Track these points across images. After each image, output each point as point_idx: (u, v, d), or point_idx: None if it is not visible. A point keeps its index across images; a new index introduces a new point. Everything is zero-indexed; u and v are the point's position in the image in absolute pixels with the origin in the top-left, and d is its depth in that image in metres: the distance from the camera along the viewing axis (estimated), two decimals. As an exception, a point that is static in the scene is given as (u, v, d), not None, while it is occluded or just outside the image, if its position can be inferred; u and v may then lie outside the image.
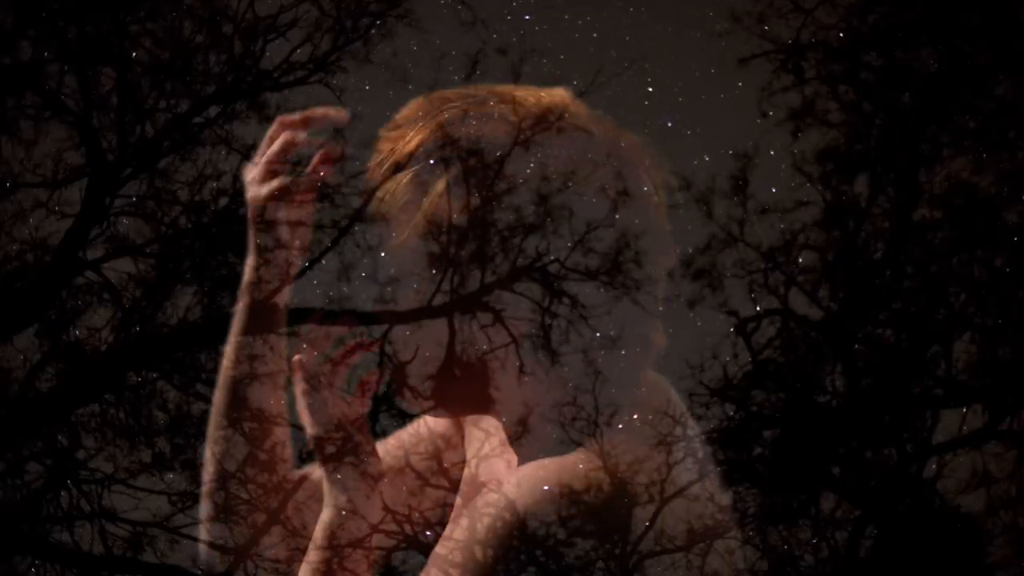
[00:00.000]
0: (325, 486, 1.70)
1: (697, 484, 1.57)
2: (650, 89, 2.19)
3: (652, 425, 1.61)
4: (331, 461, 1.65)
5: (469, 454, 1.75)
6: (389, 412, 1.79)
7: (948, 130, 2.11)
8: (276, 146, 1.76)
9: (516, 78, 1.73)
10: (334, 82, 2.41)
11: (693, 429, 1.66)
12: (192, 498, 2.39)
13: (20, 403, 2.34)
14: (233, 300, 2.43)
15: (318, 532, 1.71)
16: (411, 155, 1.62)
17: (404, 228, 1.62)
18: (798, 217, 2.07)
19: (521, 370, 1.62)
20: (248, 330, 1.72)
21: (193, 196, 2.45)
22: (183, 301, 2.42)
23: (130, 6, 2.42)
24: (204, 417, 2.43)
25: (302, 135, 1.74)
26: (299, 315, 2.20)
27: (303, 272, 2.31)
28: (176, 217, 2.47)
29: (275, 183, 1.71)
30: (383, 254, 1.65)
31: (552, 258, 1.57)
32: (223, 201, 2.44)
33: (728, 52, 2.09)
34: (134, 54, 2.44)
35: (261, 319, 1.74)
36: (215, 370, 2.41)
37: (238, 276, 2.30)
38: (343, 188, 2.33)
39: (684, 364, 1.89)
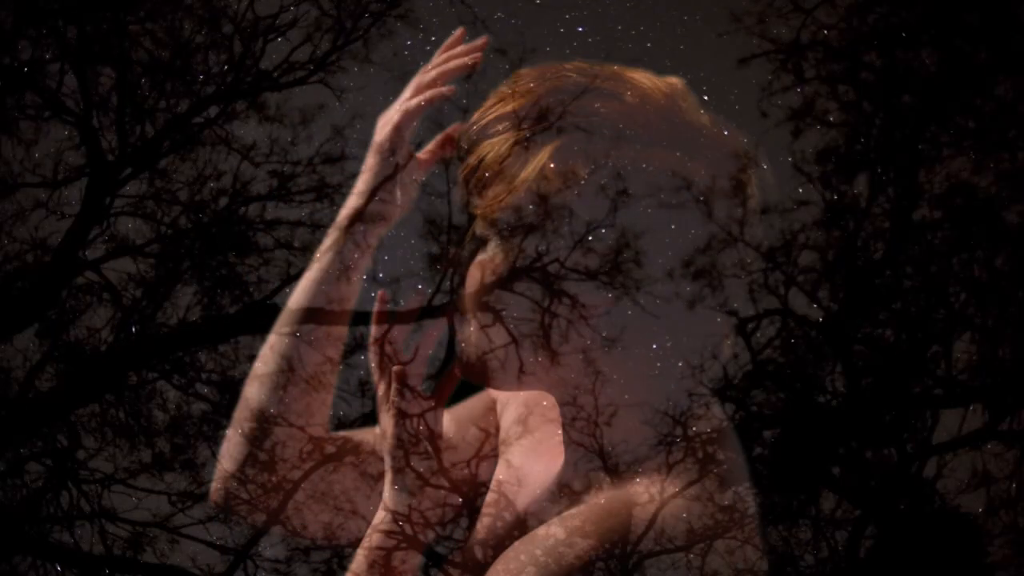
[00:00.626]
0: (387, 487, 1.68)
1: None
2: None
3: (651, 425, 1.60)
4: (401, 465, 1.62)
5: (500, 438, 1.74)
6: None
7: (948, 130, 2.11)
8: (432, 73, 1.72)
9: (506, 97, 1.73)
10: (334, 82, 2.41)
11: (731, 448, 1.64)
12: (192, 498, 2.39)
13: (20, 403, 2.35)
14: (233, 300, 2.43)
15: (372, 534, 1.68)
16: (513, 114, 1.58)
17: (498, 190, 1.57)
18: (798, 217, 2.07)
19: (521, 370, 1.61)
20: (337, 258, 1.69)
21: (193, 196, 2.45)
22: (183, 301, 2.42)
23: (130, 6, 2.42)
24: (204, 417, 2.43)
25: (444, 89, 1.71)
26: (305, 316, 2.21)
27: (303, 272, 2.31)
28: (176, 217, 2.47)
29: (427, 94, 1.68)
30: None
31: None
32: (223, 201, 2.44)
33: (728, 52, 2.09)
34: (134, 54, 2.44)
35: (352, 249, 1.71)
36: (215, 370, 2.41)
37: (238, 276, 2.31)
38: (343, 188, 2.33)
39: (684, 364, 1.89)
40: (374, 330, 1.71)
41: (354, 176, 2.33)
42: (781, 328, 2.05)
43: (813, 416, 2.13)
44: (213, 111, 2.47)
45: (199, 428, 2.42)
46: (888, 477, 2.10)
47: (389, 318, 1.75)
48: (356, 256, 1.73)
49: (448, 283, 1.87)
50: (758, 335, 2.03)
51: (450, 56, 1.73)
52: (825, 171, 2.07)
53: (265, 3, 2.46)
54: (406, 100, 1.72)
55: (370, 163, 1.73)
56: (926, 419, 2.16)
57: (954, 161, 2.12)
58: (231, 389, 2.37)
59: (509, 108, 1.61)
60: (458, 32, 1.76)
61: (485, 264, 1.62)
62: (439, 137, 1.74)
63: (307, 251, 2.36)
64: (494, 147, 1.61)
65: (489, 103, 1.66)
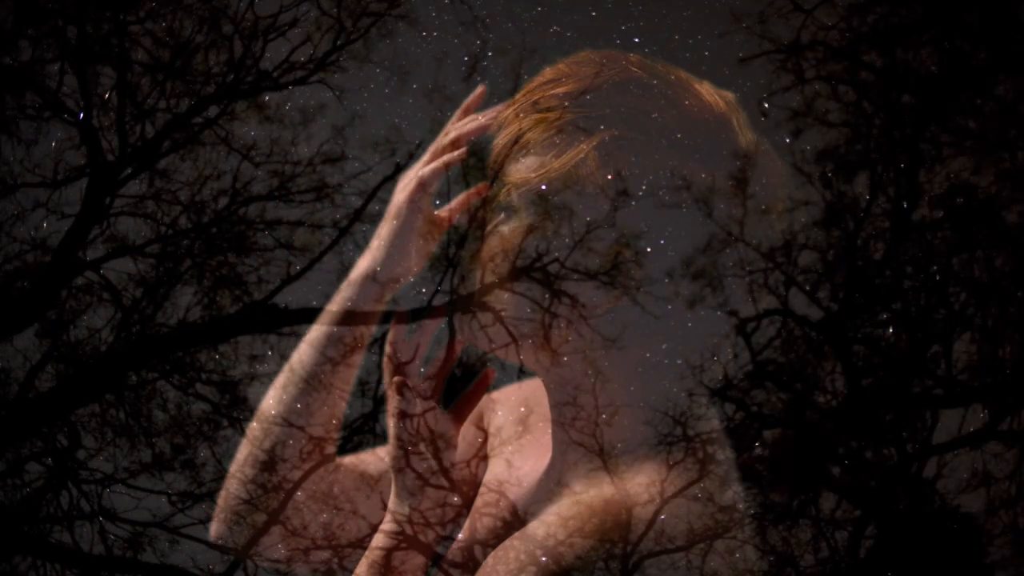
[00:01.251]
0: (394, 492, 1.67)
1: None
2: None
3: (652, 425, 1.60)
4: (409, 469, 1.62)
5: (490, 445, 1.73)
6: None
7: (948, 130, 2.11)
8: (455, 131, 1.70)
9: (516, 78, 1.72)
10: (334, 82, 2.41)
11: (723, 451, 1.64)
12: (192, 498, 2.39)
13: (20, 403, 2.34)
14: (233, 300, 2.43)
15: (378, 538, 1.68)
16: (569, 95, 1.56)
17: (538, 164, 1.55)
18: (798, 217, 2.07)
19: (521, 370, 1.61)
20: (344, 319, 1.69)
21: (193, 196, 2.45)
22: (183, 301, 2.42)
23: (130, 6, 2.42)
24: (204, 417, 2.43)
25: (460, 152, 1.69)
26: (304, 315, 2.20)
27: (303, 272, 2.31)
28: (176, 217, 2.47)
29: (439, 163, 1.67)
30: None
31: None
32: (223, 201, 2.44)
33: (728, 52, 2.09)
34: (134, 54, 2.44)
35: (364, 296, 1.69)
36: (215, 370, 2.41)
37: (238, 276, 2.31)
38: (343, 188, 2.33)
39: (684, 364, 1.89)
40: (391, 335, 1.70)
41: (354, 176, 2.33)
42: (781, 328, 2.05)
43: (813, 416, 2.13)
44: (213, 111, 2.47)
45: (199, 428, 2.42)
46: (888, 477, 2.10)
47: (387, 318, 1.75)
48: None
49: (449, 283, 1.87)
50: (758, 335, 2.03)
51: (469, 119, 1.71)
52: (825, 171, 2.06)
53: (265, 3, 2.46)
54: (424, 164, 1.70)
55: (387, 226, 1.71)
56: (926, 419, 2.16)
57: (954, 161, 2.12)
58: (231, 389, 2.37)
59: (566, 88, 1.58)
60: (478, 91, 1.74)
61: (506, 235, 1.60)
62: (462, 196, 1.71)
63: (307, 251, 2.37)
64: (539, 122, 1.58)
65: (545, 76, 1.63)
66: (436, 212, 1.70)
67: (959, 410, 2.12)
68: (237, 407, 2.38)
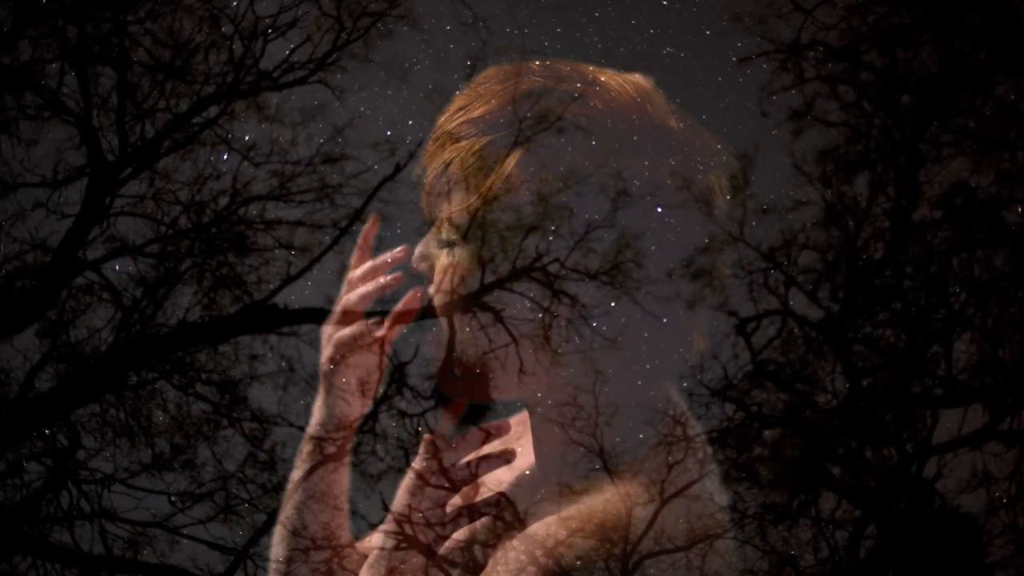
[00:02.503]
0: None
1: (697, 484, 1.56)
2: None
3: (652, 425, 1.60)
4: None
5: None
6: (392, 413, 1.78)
7: (948, 130, 2.11)
8: (357, 295, 1.73)
9: (517, 77, 1.71)
10: (334, 82, 2.41)
11: (694, 429, 1.65)
12: (192, 498, 2.39)
13: (20, 403, 2.34)
14: (233, 300, 2.43)
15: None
16: (480, 119, 1.56)
17: (465, 196, 1.56)
18: (798, 217, 2.07)
19: (521, 370, 1.61)
20: (310, 478, 1.72)
21: (193, 196, 2.45)
22: (183, 301, 2.42)
23: (130, 6, 2.42)
24: (204, 417, 2.44)
25: (375, 285, 1.71)
26: (303, 315, 2.20)
27: (303, 272, 2.31)
28: (176, 217, 2.47)
29: (354, 328, 1.69)
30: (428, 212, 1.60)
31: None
32: (223, 201, 2.44)
33: (728, 52, 2.09)
34: (134, 54, 2.44)
35: (324, 471, 1.72)
36: (215, 370, 2.41)
37: (238, 276, 2.31)
38: (343, 188, 2.33)
39: (684, 364, 1.89)
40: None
41: (354, 176, 2.33)
42: (781, 328, 2.05)
43: (813, 416, 2.13)
44: (213, 111, 2.47)
45: (199, 428, 2.42)
46: (888, 477, 2.10)
47: (378, 316, 1.75)
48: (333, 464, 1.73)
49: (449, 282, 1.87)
50: (758, 335, 2.03)
51: (368, 270, 1.72)
52: (825, 171, 2.06)
53: (265, 3, 2.46)
54: (335, 334, 1.71)
55: (322, 386, 1.73)
56: (926, 419, 2.16)
57: (954, 161, 2.12)
58: (231, 389, 2.37)
59: (476, 113, 1.59)
60: (371, 221, 1.75)
61: (452, 269, 1.61)
62: (393, 313, 1.72)
63: (307, 251, 2.37)
64: (460, 151, 1.59)
65: (455, 106, 1.64)
66: (372, 334, 1.71)
67: (959, 410, 2.12)
68: (237, 407, 2.38)
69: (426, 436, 1.64)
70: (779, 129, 2.07)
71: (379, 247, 2.06)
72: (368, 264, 1.73)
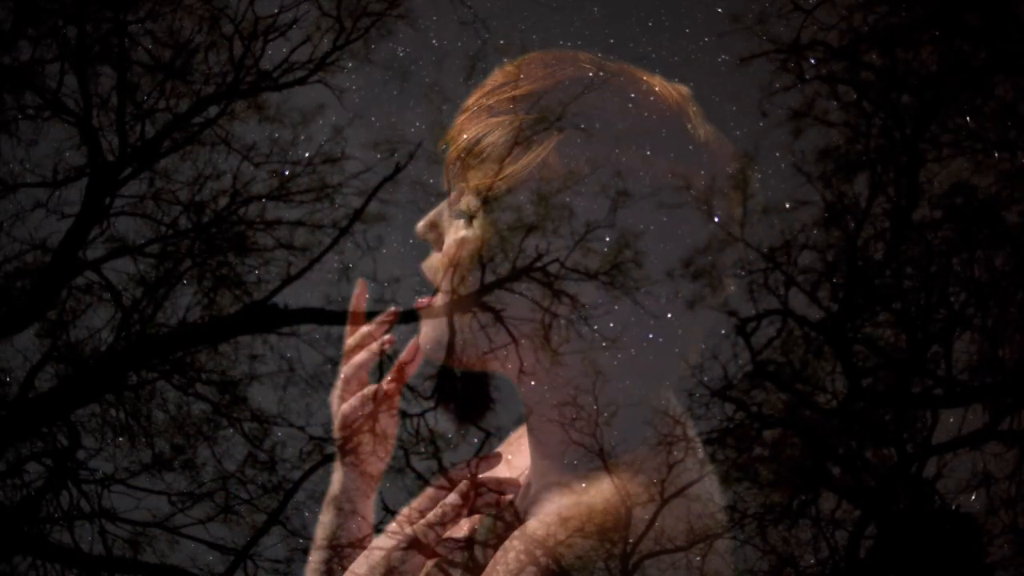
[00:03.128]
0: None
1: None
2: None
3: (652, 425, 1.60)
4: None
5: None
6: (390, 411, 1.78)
7: (948, 130, 2.11)
8: (352, 365, 1.73)
9: (517, 77, 1.71)
10: (334, 82, 2.41)
11: (692, 430, 1.65)
12: (192, 498, 2.39)
13: (20, 403, 2.34)
14: (233, 299, 2.43)
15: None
16: (524, 98, 1.55)
17: (496, 169, 1.55)
18: (798, 217, 2.07)
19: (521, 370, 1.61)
20: (335, 539, 1.71)
21: (193, 196, 2.45)
22: (183, 301, 2.42)
23: (130, 6, 2.42)
24: (204, 417, 2.44)
25: (369, 353, 1.72)
26: (301, 315, 2.20)
27: (303, 272, 2.31)
28: (176, 217, 2.47)
29: (355, 399, 1.69)
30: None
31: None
32: (223, 201, 2.44)
33: (728, 52, 2.09)
34: (134, 54, 2.44)
35: (350, 528, 1.73)
36: (215, 370, 2.41)
37: (238, 276, 2.31)
38: (343, 188, 2.33)
39: (684, 364, 1.89)
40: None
41: (354, 176, 2.34)
42: (781, 328, 2.05)
43: (813, 416, 2.13)
44: (213, 111, 2.47)
45: (199, 428, 2.42)
46: (888, 477, 2.10)
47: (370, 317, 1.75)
48: (359, 518, 1.73)
49: (450, 283, 1.87)
50: (758, 335, 2.03)
51: (369, 342, 1.72)
52: (825, 171, 2.06)
53: (265, 3, 2.46)
54: (339, 409, 1.72)
55: (337, 469, 1.74)
56: (926, 419, 2.16)
57: (954, 161, 2.12)
58: (231, 389, 2.37)
59: (518, 91, 1.58)
60: (360, 287, 1.75)
61: (465, 241, 1.60)
62: (395, 367, 1.72)
63: (307, 251, 2.37)
64: (496, 127, 1.58)
65: (495, 80, 1.63)
66: (376, 397, 1.72)
67: (959, 410, 2.12)
68: (237, 407, 2.38)
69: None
70: (779, 129, 2.07)
71: (379, 246, 2.06)
72: (361, 330, 1.74)
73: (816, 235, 2.07)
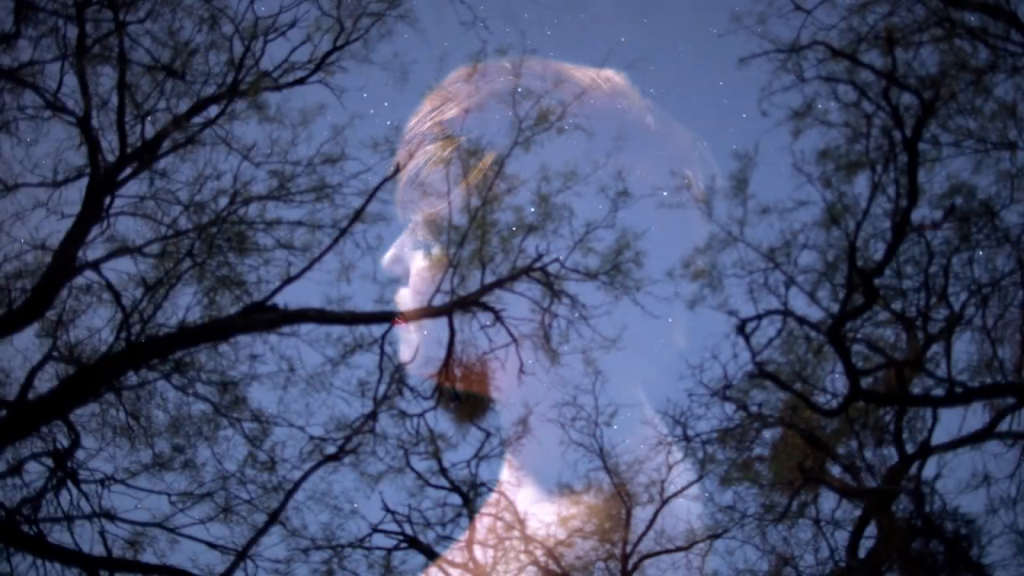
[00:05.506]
0: None
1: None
2: (651, 90, 2.18)
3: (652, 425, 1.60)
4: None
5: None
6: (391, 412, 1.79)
7: (948, 130, 2.11)
8: None
9: (516, 78, 1.72)
10: (334, 82, 2.41)
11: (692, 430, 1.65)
12: (192, 498, 2.39)
13: (20, 403, 2.34)
14: (233, 300, 2.43)
15: None
16: (451, 121, 1.57)
17: (439, 198, 1.56)
18: (798, 217, 2.07)
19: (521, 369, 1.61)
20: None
21: (193, 196, 2.46)
22: (183, 301, 2.42)
23: (130, 6, 2.42)
24: (204, 417, 2.44)
25: None
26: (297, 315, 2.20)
27: (303, 272, 2.31)
28: (176, 217, 2.47)
29: None
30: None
31: None
32: (223, 201, 2.44)
33: (728, 52, 2.09)
34: (134, 54, 2.44)
35: None
36: (215, 370, 2.41)
37: (238, 276, 2.31)
38: (343, 188, 2.33)
39: (684, 364, 1.89)
40: None
41: (354, 176, 2.33)
42: (781, 328, 2.05)
43: (813, 416, 2.13)
44: (213, 111, 2.47)
45: (199, 428, 2.42)
46: (888, 477, 2.10)
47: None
48: None
49: (449, 283, 1.87)
50: (758, 335, 2.03)
51: None
52: (825, 171, 2.07)
53: (265, 3, 2.46)
54: None
55: None
56: (926, 419, 2.16)
57: (954, 161, 2.13)
58: (231, 389, 2.37)
59: (446, 115, 1.60)
60: None
61: (426, 271, 1.62)
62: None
63: (307, 251, 2.37)
64: (433, 153, 1.60)
65: (425, 109, 1.65)
66: None
67: (959, 410, 2.12)
68: (237, 407, 2.38)
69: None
70: (779, 129, 2.07)
71: (379, 246, 2.06)
72: None
73: (816, 235, 2.07)
